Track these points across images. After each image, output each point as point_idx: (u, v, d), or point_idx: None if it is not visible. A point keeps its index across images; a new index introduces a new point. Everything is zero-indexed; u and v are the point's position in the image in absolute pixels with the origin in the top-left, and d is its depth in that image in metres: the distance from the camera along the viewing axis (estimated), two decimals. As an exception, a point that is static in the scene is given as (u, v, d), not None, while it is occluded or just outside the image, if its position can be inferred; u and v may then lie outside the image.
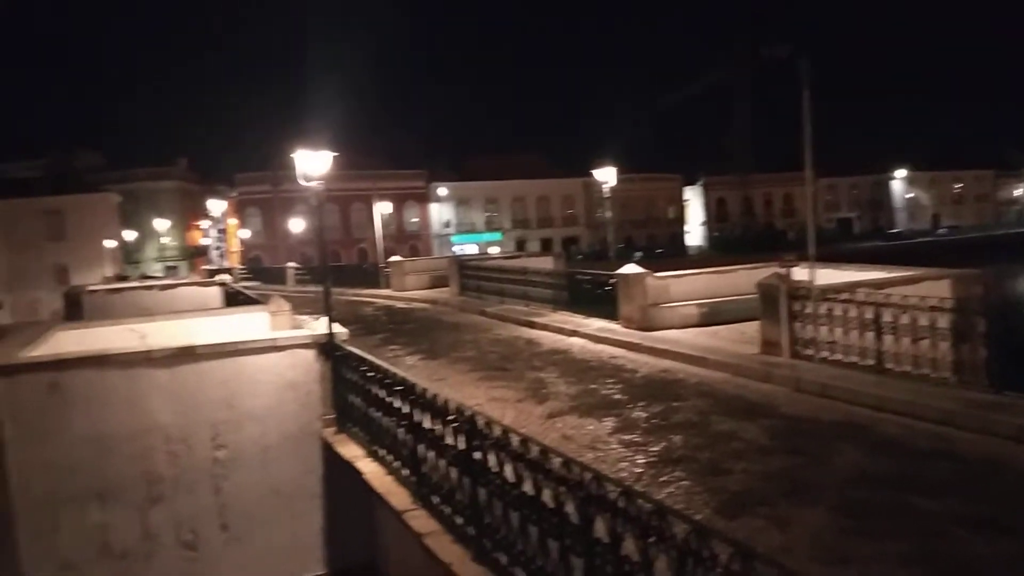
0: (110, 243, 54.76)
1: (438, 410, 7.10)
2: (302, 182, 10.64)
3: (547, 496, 5.15)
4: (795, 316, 12.34)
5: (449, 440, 6.88)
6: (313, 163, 10.38)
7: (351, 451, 10.11)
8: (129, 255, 64.56)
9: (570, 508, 4.89)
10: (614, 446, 9.18)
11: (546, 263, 24.95)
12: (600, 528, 4.61)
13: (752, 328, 13.93)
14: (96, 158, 72.74)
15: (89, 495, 10.26)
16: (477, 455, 6.27)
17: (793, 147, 17.34)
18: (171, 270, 65.63)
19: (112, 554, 10.34)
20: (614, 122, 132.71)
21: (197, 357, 10.74)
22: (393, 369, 8.88)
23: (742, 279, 16.09)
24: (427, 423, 7.46)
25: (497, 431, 5.88)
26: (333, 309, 11.62)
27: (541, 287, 20.64)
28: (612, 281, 17.26)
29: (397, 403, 8.44)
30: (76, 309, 23.35)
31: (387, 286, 32.60)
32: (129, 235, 63.22)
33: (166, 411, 10.57)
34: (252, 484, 10.91)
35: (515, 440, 5.61)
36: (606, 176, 21.69)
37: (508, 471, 5.74)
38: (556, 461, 5.05)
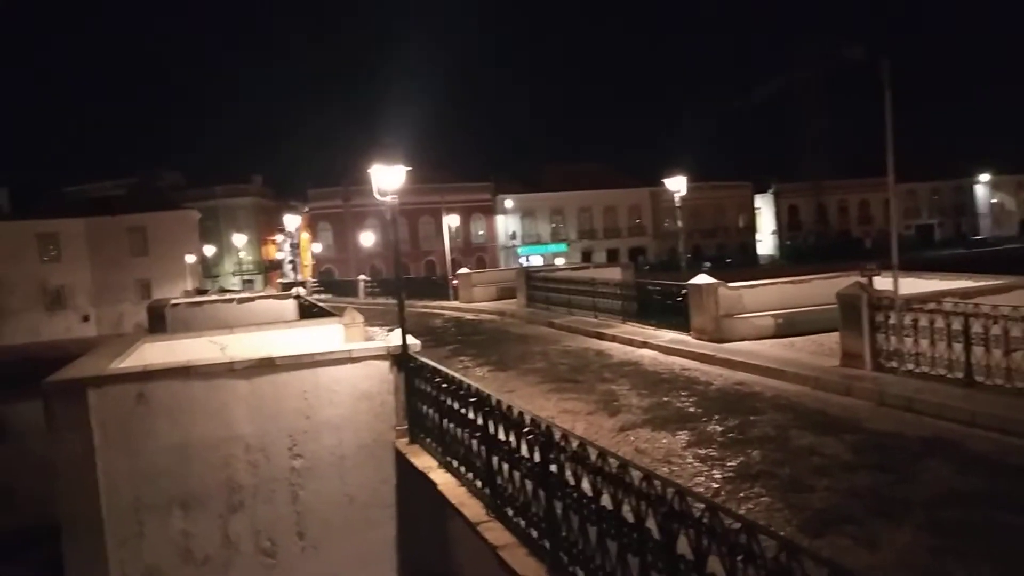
0: (190, 258, 56.79)
1: (513, 422, 7.08)
2: (377, 196, 10.82)
3: (627, 510, 5.07)
4: (878, 327, 11.91)
5: (524, 452, 6.84)
6: (388, 177, 10.55)
7: (424, 462, 10.18)
8: (208, 269, 66.85)
9: (651, 523, 4.80)
10: (689, 460, 9.01)
11: (614, 274, 24.76)
12: (683, 544, 4.51)
13: (830, 340, 13.52)
14: (177, 177, 75.86)
15: (172, 502, 10.58)
16: (553, 468, 6.22)
17: (869, 151, 16.82)
18: (247, 284, 67.66)
19: (194, 560, 10.63)
20: (683, 130, 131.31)
21: (276, 368, 10.99)
22: (467, 381, 8.91)
23: (819, 289, 15.66)
24: (502, 435, 7.45)
25: (574, 444, 5.82)
26: (408, 320, 11.75)
27: (610, 298, 20.49)
28: (683, 292, 17.00)
29: (471, 415, 8.46)
30: (160, 322, 24.23)
31: (455, 298, 32.92)
32: (208, 250, 65.45)
33: (246, 421, 10.84)
34: (328, 493, 11.08)
35: (593, 453, 5.55)
36: (676, 185, 21.41)
37: (585, 484, 5.67)
38: (636, 475, 4.96)
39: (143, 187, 66.48)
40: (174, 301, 27.94)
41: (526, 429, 6.72)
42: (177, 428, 10.58)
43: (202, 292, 48.31)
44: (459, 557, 10.13)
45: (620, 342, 17.53)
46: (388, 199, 10.74)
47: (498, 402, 7.60)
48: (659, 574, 4.77)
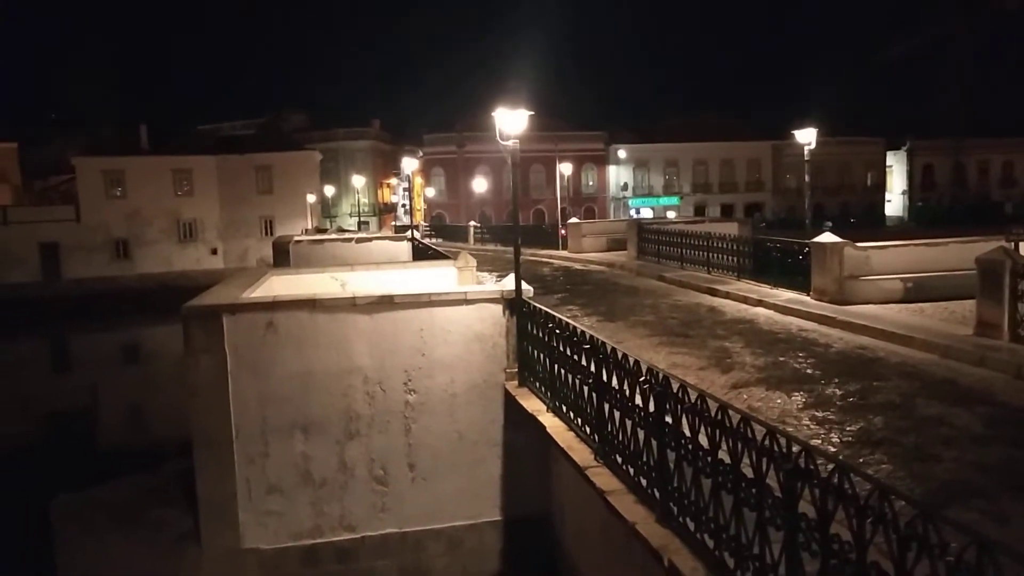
0: (311, 197, 58.82)
1: (628, 371, 7.06)
2: (499, 140, 10.85)
3: (746, 465, 5.00)
4: (1020, 296, 11.12)
5: (638, 401, 6.83)
6: (510, 121, 10.55)
7: (533, 405, 10.34)
8: (327, 209, 69.20)
9: (771, 479, 4.71)
10: (806, 422, 8.77)
11: (730, 229, 24.02)
12: (804, 503, 4.42)
13: (963, 307, 12.76)
14: (302, 119, 78.49)
15: (295, 426, 11.21)
16: (667, 418, 6.20)
17: (1019, 108, 15.47)
18: (363, 225, 69.71)
19: (312, 482, 11.27)
20: (811, 82, 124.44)
21: (395, 306, 11.34)
22: (581, 327, 8.93)
23: (955, 253, 14.75)
24: (614, 383, 7.45)
25: (693, 396, 5.76)
26: (515, 266, 11.83)
27: (725, 254, 19.96)
28: (805, 250, 16.34)
29: (583, 361, 8.50)
30: (284, 257, 25.40)
31: (564, 247, 32.90)
32: (328, 191, 67.67)
33: (365, 354, 11.28)
34: (438, 428, 11.46)
35: (713, 406, 5.48)
36: (806, 137, 20.34)
37: (702, 437, 5.62)
38: (758, 430, 4.87)
39: (270, 128, 69.10)
40: (297, 238, 29.19)
41: (642, 378, 6.69)
42: (302, 357, 11.13)
43: (321, 231, 50.14)
44: (563, 499, 10.33)
45: (734, 299, 17.10)
46: (510, 143, 10.74)
47: (613, 350, 7.60)
48: (776, 531, 4.71)
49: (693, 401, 5.75)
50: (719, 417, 5.35)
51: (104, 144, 59.90)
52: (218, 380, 10.88)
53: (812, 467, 4.35)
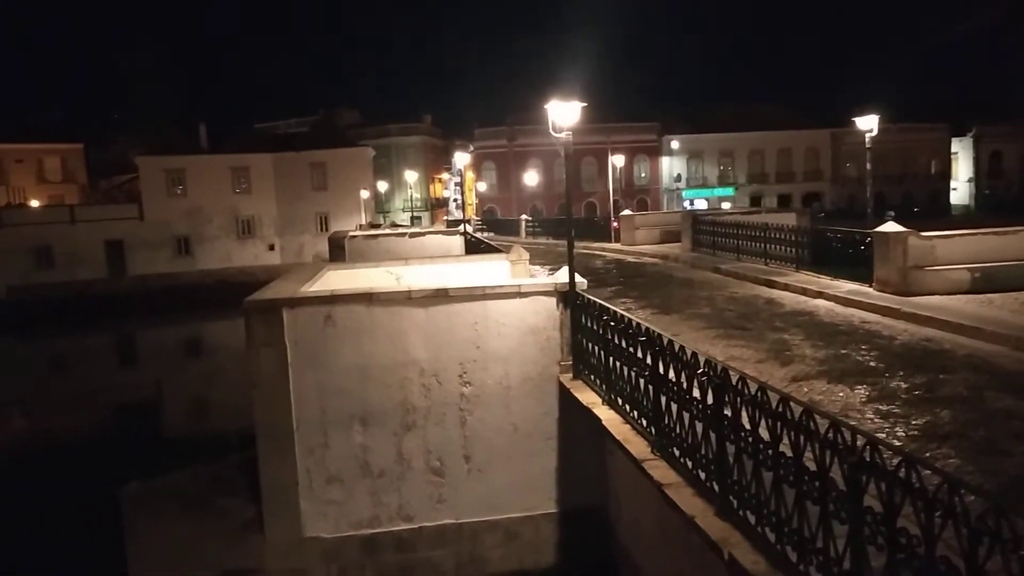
0: (364, 193, 59.63)
1: (685, 363, 7.00)
2: (552, 132, 10.83)
3: (808, 458, 4.92)
4: (1098, 286, 10.67)
5: (696, 394, 6.77)
6: (563, 113, 10.52)
7: (588, 397, 10.33)
8: (380, 205, 70.06)
9: (835, 473, 4.63)
10: (869, 416, 8.57)
11: (788, 219, 23.56)
12: (868, 496, 4.33)
13: (1037, 298, 12.26)
14: (354, 115, 79.62)
15: (353, 418, 11.40)
16: (727, 411, 6.13)
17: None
18: (415, 220, 70.39)
19: (371, 473, 11.46)
20: (871, 67, 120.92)
21: (449, 299, 11.44)
22: (636, 319, 8.88)
23: (1025, 242, 14.23)
24: (671, 375, 7.40)
25: (753, 388, 5.69)
26: (568, 259, 11.81)
27: (783, 244, 19.60)
28: (867, 240, 15.94)
29: (639, 353, 8.45)
30: (339, 252, 25.86)
31: (616, 240, 32.72)
32: (381, 186, 68.50)
33: (421, 347, 11.41)
34: (493, 421, 11.53)
35: (774, 398, 5.40)
36: (868, 124, 19.80)
37: (762, 429, 5.55)
38: (822, 423, 4.79)
39: (324, 125, 70.23)
40: (352, 234, 29.66)
41: (700, 371, 6.63)
42: (359, 349, 11.31)
43: (375, 226, 50.80)
44: (618, 492, 10.31)
45: (792, 291, 16.78)
46: (563, 135, 10.72)
47: (669, 342, 7.54)
48: (842, 524, 4.62)
49: (753, 393, 5.68)
50: (780, 409, 5.27)
51: (165, 143, 61.70)
52: (279, 373, 11.13)
53: (878, 460, 4.26)
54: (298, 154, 61.70)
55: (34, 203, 64.11)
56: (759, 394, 5.61)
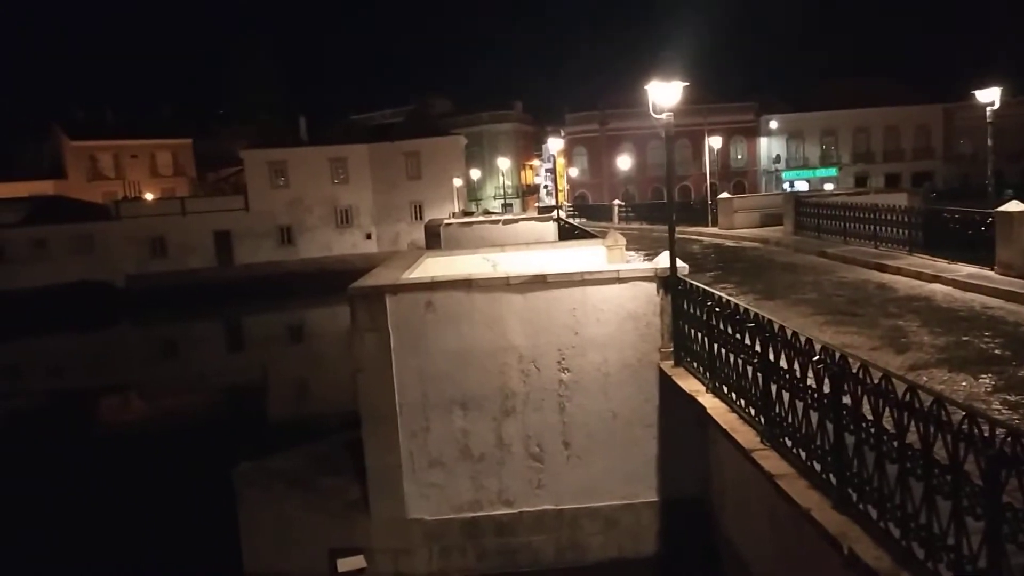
0: (457, 181, 60.26)
1: (799, 350, 6.74)
2: (652, 114, 10.61)
3: (938, 450, 4.65)
4: None
5: (810, 382, 6.51)
6: (664, 94, 10.29)
7: (690, 385, 10.12)
8: (471, 192, 70.71)
9: (970, 466, 4.36)
10: (996, 407, 8.04)
11: (898, 200, 22.42)
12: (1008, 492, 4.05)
13: None
14: (447, 104, 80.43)
15: (454, 402, 11.56)
16: (846, 400, 5.86)
17: None
18: (507, 207, 70.69)
19: (471, 457, 11.60)
20: (991, 37, 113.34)
21: (548, 285, 11.41)
22: (744, 305, 8.62)
23: None
24: (783, 363, 7.14)
25: (875, 376, 5.41)
26: (663, 245, 11.58)
27: (893, 227, 18.64)
28: (988, 220, 14.97)
29: (747, 340, 8.20)
30: (435, 239, 26.25)
31: (714, 224, 31.93)
32: (474, 174, 69.09)
33: (519, 333, 11.44)
34: (592, 407, 11.46)
35: (900, 387, 5.12)
36: (989, 96, 18.54)
37: (886, 420, 5.28)
38: (954, 413, 4.51)
39: (417, 115, 71.28)
40: (447, 221, 30.04)
41: (815, 358, 6.36)
42: (459, 335, 11.44)
43: (468, 214, 51.33)
44: (723, 482, 10.07)
45: (905, 275, 15.96)
46: (663, 116, 10.48)
47: (781, 328, 7.27)
48: (976, 521, 4.35)
49: (876, 382, 5.40)
50: (908, 399, 5.00)
51: (268, 136, 64.01)
52: (382, 357, 11.39)
53: (1020, 453, 3.98)
54: (393, 144, 62.88)
55: (148, 196, 67.78)
56: (883, 382, 5.33)
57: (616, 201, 48.03)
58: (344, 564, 11.10)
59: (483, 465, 11.57)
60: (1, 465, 22.22)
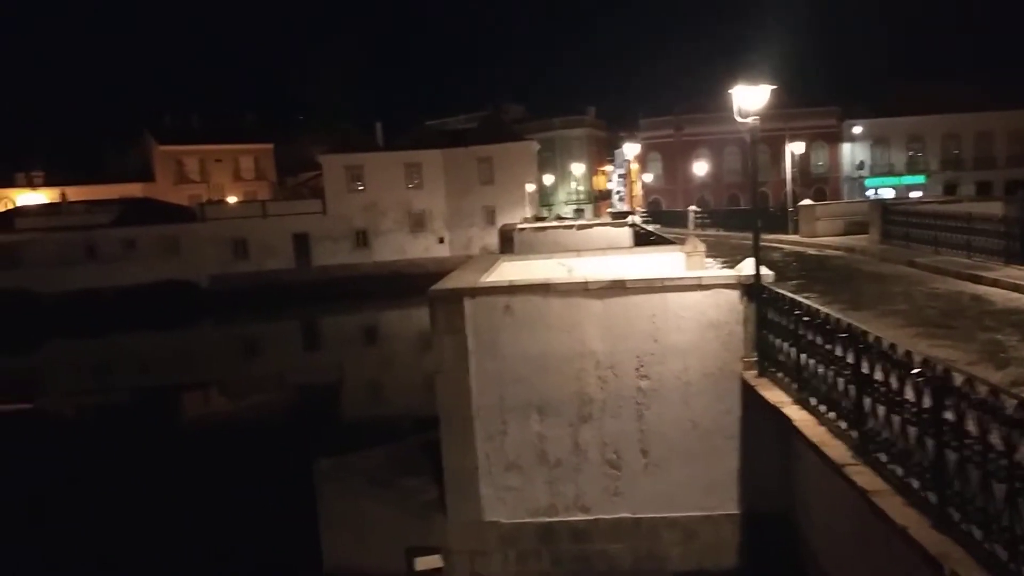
0: (530, 186, 60.47)
1: (896, 362, 6.50)
2: (738, 118, 10.42)
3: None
4: None
5: (908, 396, 6.27)
6: (749, 98, 10.09)
7: (775, 396, 9.86)
8: (543, 197, 70.82)
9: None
10: (1110, 427, 7.58)
11: (994, 208, 21.41)
12: None
13: None
14: (519, 110, 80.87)
15: (530, 407, 11.54)
16: (948, 415, 5.62)
17: None
18: (578, 212, 70.56)
19: (547, 462, 11.56)
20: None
21: (626, 291, 11.30)
22: (835, 314, 8.37)
23: None
24: (878, 375, 6.89)
25: (983, 390, 5.18)
26: (741, 252, 11.33)
27: (989, 236, 17.82)
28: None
29: (838, 351, 7.96)
30: (508, 244, 26.38)
31: (794, 231, 31.16)
32: (546, 179, 69.19)
33: (597, 338, 11.36)
34: (672, 416, 11.28)
35: (1009, 403, 4.88)
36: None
37: (994, 437, 5.03)
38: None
39: (491, 120, 71.83)
40: (521, 226, 30.15)
41: (915, 371, 6.12)
42: (536, 339, 11.43)
43: (539, 219, 51.40)
44: (809, 497, 9.79)
45: (1003, 287, 15.22)
46: (749, 121, 10.28)
47: (876, 339, 7.03)
48: (1100, 548, 4.11)
49: (984, 396, 5.16)
50: (1018, 415, 4.76)
51: (345, 142, 65.52)
52: (460, 360, 11.47)
53: None
54: (466, 149, 63.56)
55: (231, 199, 70.24)
56: (990, 396, 5.09)
57: (692, 207, 47.34)
58: (422, 563, 11.23)
59: (559, 470, 11.52)
60: (94, 456, 23.32)
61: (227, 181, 75.09)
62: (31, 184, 68.50)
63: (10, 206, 64.17)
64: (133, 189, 68.73)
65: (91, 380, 39.31)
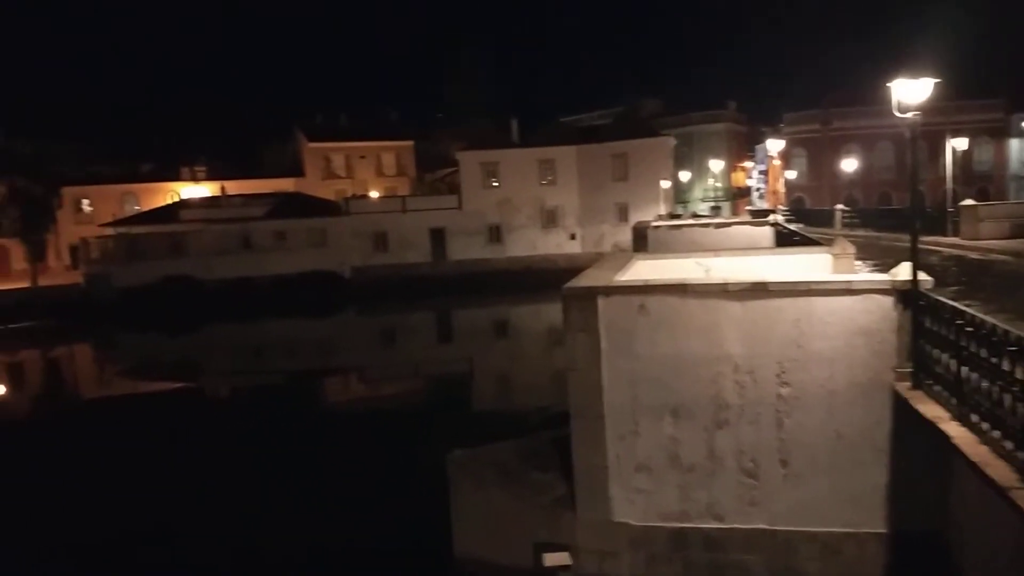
0: (665, 183, 59.38)
1: (1078, 381, 5.92)
2: (896, 113, 9.78)
3: None
4: None
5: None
6: (911, 91, 9.45)
7: (932, 410, 9.21)
8: (678, 194, 69.36)
9: None
10: None
11: None
12: None
13: None
14: (656, 105, 79.66)
15: (664, 409, 11.34)
16: None
17: None
18: (715, 210, 68.66)
19: (680, 466, 11.32)
20: None
21: (769, 294, 10.87)
22: (1002, 325, 7.72)
23: None
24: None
25: None
26: (893, 255, 10.60)
27: None
28: None
29: (1005, 365, 7.34)
30: (642, 242, 26.04)
31: (954, 233, 29.02)
32: (683, 176, 67.72)
33: (736, 342, 11.00)
34: (814, 426, 10.77)
35: None
36: None
37: None
38: None
39: (626, 116, 71.11)
40: (655, 223, 29.67)
41: (1101, 391, 5.55)
42: (672, 340, 11.21)
43: (675, 216, 50.40)
44: (966, 519, 9.10)
45: None
46: (909, 115, 9.63)
47: (1054, 355, 6.42)
48: None
49: None
50: None
51: (481, 138, 66.79)
52: (593, 358, 11.43)
53: None
54: (600, 145, 63.20)
55: (373, 194, 73.18)
56: None
57: (839, 206, 44.98)
58: (550, 559, 11.29)
59: (692, 476, 11.26)
60: (241, 436, 24.97)
61: (370, 176, 78.33)
62: (194, 178, 74.05)
63: (176, 198, 69.55)
64: (285, 184, 72.91)
65: (245, 362, 42.11)
